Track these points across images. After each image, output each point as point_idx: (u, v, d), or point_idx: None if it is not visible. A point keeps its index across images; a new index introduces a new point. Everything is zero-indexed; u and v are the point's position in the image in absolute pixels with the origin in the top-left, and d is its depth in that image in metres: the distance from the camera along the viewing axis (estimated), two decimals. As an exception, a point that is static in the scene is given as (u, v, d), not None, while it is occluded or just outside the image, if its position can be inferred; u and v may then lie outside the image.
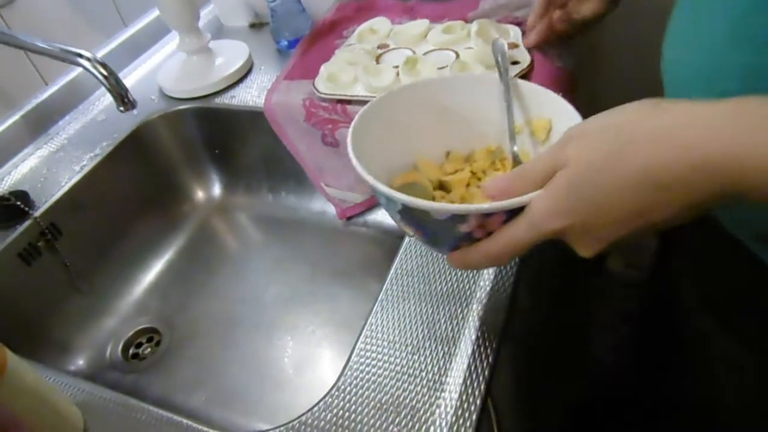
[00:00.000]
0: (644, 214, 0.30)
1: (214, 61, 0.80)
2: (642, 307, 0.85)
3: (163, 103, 0.79)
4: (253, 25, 0.93)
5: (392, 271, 0.49)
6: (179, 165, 0.83)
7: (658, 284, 0.67)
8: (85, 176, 0.71)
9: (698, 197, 0.28)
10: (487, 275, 0.46)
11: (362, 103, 0.64)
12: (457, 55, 0.66)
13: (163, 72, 0.82)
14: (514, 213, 0.33)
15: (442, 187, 0.43)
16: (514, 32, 0.68)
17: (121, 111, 0.50)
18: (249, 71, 0.81)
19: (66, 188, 0.69)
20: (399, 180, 0.43)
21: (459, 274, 0.47)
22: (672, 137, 0.28)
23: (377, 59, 0.69)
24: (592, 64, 0.98)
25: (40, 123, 0.77)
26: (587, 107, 0.38)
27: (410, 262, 0.49)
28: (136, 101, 0.51)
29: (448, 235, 0.36)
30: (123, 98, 0.49)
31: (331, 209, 0.76)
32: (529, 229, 0.33)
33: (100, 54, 0.84)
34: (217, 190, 0.85)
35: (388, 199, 0.36)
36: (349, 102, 0.66)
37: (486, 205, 0.33)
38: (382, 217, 0.75)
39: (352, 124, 0.41)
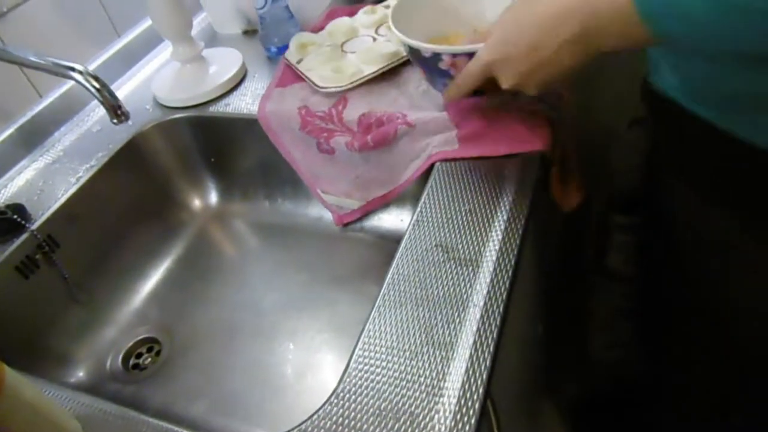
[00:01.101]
0: (541, 46, 0.44)
1: (208, 70, 0.80)
2: (641, 304, 0.85)
3: (157, 112, 0.79)
4: (246, 32, 0.93)
5: (389, 276, 0.49)
6: (175, 173, 0.83)
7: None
8: (82, 188, 0.71)
9: (575, 31, 0.42)
10: (483, 279, 0.46)
11: (365, 88, 0.69)
12: None
13: (157, 81, 0.82)
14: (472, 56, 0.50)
15: None
16: None
17: (115, 123, 0.50)
18: (243, 79, 0.81)
19: (62, 200, 0.69)
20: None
21: (455, 278, 0.47)
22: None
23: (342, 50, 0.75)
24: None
25: (35, 135, 0.77)
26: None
27: (407, 267, 0.49)
28: (129, 113, 0.51)
29: (437, 72, 0.53)
30: (116, 111, 0.49)
31: (328, 215, 0.76)
32: (474, 61, 0.49)
33: (93, 65, 0.84)
34: (213, 197, 0.85)
35: (404, 45, 0.55)
36: (345, 104, 0.67)
37: (452, 47, 0.51)
38: (378, 222, 0.75)
39: (392, 9, 0.57)
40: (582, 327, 1.11)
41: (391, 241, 0.74)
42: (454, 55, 0.51)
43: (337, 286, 0.71)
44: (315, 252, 0.76)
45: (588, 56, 0.44)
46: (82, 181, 0.71)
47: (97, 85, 0.48)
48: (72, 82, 0.80)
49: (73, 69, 0.48)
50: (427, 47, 0.52)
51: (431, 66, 0.53)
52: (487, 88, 0.52)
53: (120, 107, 0.50)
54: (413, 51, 0.54)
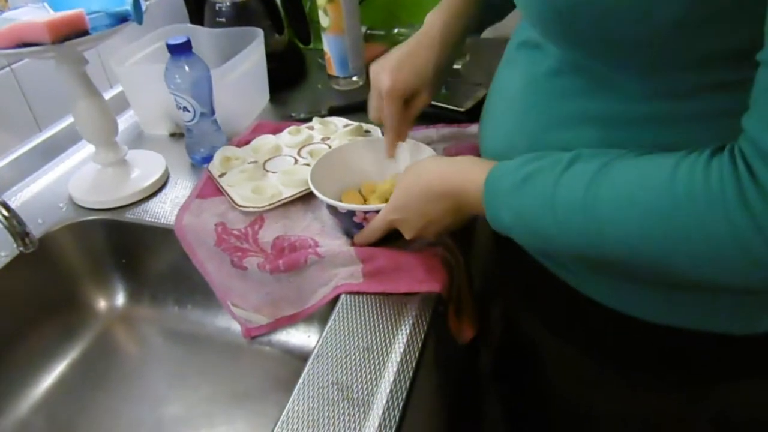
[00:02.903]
0: (427, 213, 0.55)
1: (129, 174, 0.81)
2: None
3: (71, 212, 0.79)
4: (173, 135, 0.96)
5: (284, 413, 0.50)
6: (82, 273, 0.81)
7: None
8: (-23, 289, 0.68)
9: (449, 206, 0.53)
10: (372, 422, 0.48)
11: (282, 209, 0.73)
12: (329, 146, 0.82)
13: (75, 180, 0.82)
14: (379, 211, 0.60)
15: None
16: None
17: (21, 251, 0.50)
18: (164, 185, 0.82)
19: (-47, 302, 0.66)
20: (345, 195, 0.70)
21: (346, 419, 0.49)
22: (439, 173, 0.54)
23: (264, 168, 0.81)
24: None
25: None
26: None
27: (302, 404, 0.50)
28: (36, 241, 0.51)
29: (352, 224, 0.63)
30: (23, 239, 0.50)
31: (236, 326, 0.77)
32: (378, 218, 0.60)
33: (11, 157, 0.84)
34: (120, 299, 0.84)
35: (323, 202, 0.64)
36: (261, 224, 0.70)
37: (363, 206, 0.62)
38: (286, 336, 0.76)
39: (311, 169, 0.67)
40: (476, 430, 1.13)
41: (296, 357, 0.75)
42: (366, 212, 0.61)
43: (238, 404, 0.71)
44: (220, 363, 0.76)
45: (468, 217, 0.56)
46: (-21, 282, 0.69)
47: (6, 213, 0.48)
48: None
49: (-17, 196, 0.49)
50: (343, 206, 0.62)
51: (347, 219, 0.63)
52: (392, 236, 0.61)
53: (27, 235, 0.50)
54: (331, 207, 0.63)
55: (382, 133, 0.76)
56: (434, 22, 0.66)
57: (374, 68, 0.67)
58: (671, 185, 0.37)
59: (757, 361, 0.50)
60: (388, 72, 0.64)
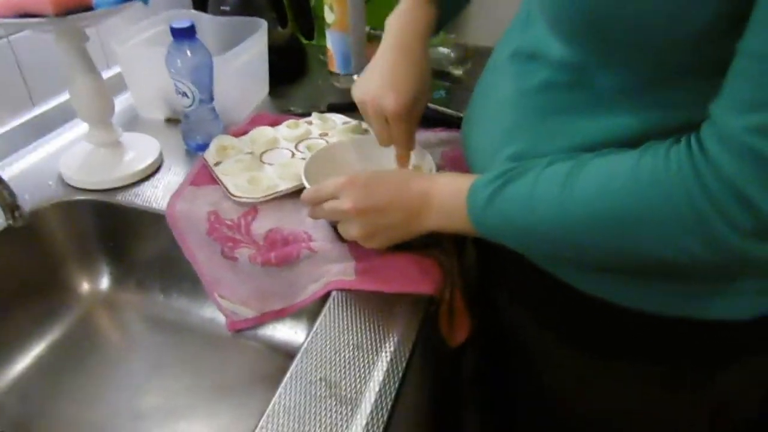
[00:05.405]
0: (384, 211, 0.56)
1: (123, 156, 0.80)
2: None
3: (60, 190, 0.77)
4: (169, 120, 0.94)
5: (270, 407, 0.49)
6: (67, 253, 0.79)
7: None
8: (-42, 263, 0.66)
9: (415, 204, 0.55)
10: (360, 420, 0.48)
11: (277, 202, 0.72)
12: (327, 142, 0.81)
13: (66, 158, 0.80)
14: None
15: None
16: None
17: (10, 224, 0.49)
18: (158, 169, 0.81)
19: (-68, 275, 0.64)
20: None
21: (333, 416, 0.48)
22: (420, 177, 0.58)
23: (261, 160, 0.80)
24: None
25: None
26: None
27: (289, 399, 0.50)
28: (27, 215, 0.50)
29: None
30: (13, 212, 0.48)
31: (221, 317, 0.76)
32: (337, 180, 0.59)
33: (1, 131, 0.82)
34: (105, 282, 0.82)
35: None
36: (255, 215, 0.69)
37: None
38: (272, 331, 0.75)
39: (305, 164, 0.69)
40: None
41: (282, 353, 0.74)
42: None
43: (221, 396, 0.70)
44: (203, 355, 0.75)
45: (418, 231, 0.57)
46: (-40, 256, 0.67)
47: (-2, 184, 0.47)
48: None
49: (-25, 166, 0.47)
50: (306, 186, 0.65)
51: None
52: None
53: (18, 208, 0.49)
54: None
55: None
56: (405, 27, 0.65)
57: (363, 93, 0.64)
58: (636, 172, 0.41)
59: (750, 345, 0.52)
60: (388, 93, 0.62)
